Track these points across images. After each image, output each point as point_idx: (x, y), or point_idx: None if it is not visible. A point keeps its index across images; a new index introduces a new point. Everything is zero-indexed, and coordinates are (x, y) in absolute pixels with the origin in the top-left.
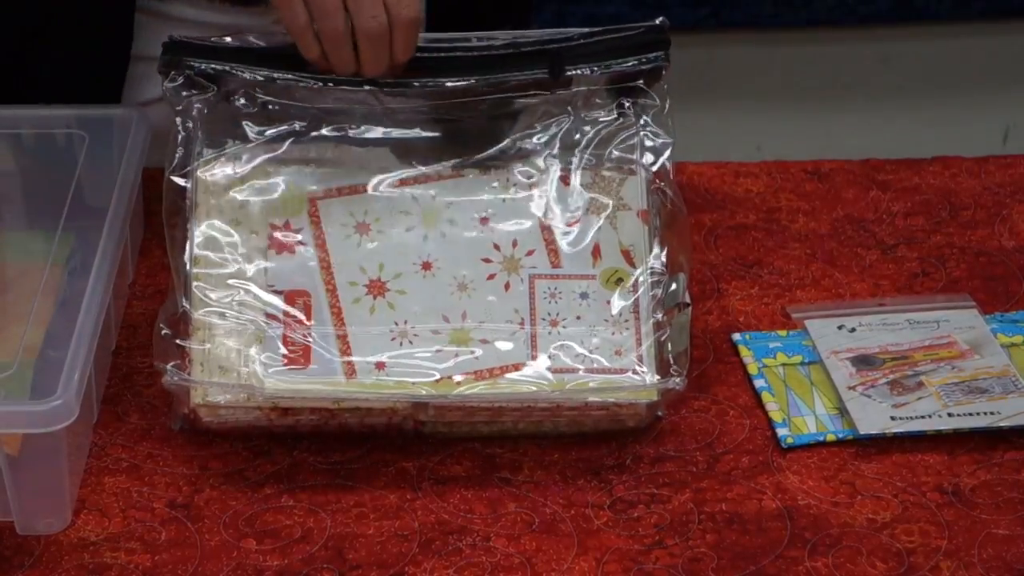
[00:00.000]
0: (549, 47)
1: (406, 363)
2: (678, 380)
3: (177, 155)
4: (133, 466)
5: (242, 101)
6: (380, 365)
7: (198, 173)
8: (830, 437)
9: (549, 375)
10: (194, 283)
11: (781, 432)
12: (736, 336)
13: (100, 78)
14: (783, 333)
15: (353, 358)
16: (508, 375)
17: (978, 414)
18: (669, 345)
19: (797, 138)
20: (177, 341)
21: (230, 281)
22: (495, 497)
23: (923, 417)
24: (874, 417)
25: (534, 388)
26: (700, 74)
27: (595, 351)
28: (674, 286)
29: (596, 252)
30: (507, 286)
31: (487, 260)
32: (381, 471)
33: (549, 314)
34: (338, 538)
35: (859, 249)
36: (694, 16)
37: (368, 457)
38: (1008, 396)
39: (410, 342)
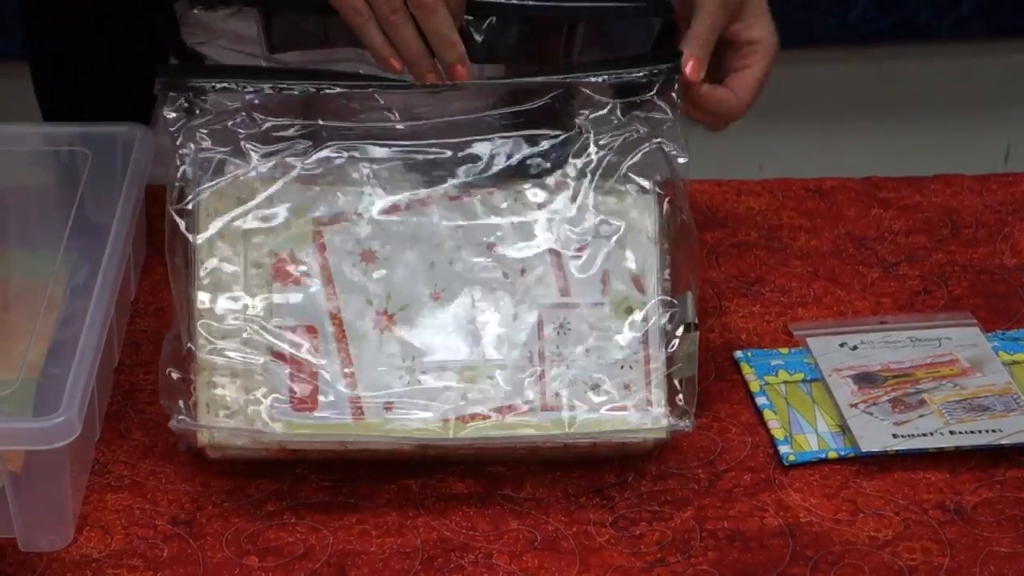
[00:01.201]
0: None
1: (414, 401)
2: (687, 422)
3: (177, 185)
4: (135, 483)
5: (243, 122)
6: (388, 405)
7: (200, 201)
8: (832, 454)
9: (557, 414)
10: (199, 321)
11: (783, 449)
12: (738, 353)
13: (140, 92)
14: (785, 351)
15: (361, 397)
16: (516, 415)
17: (980, 432)
18: (677, 374)
19: (799, 156)
20: (184, 380)
21: (235, 320)
22: (497, 514)
23: (925, 435)
24: (876, 435)
25: (542, 429)
26: None
27: (603, 386)
28: (682, 305)
29: (606, 279)
30: (515, 316)
31: (495, 290)
32: (383, 488)
33: (558, 347)
34: (340, 555)
35: (861, 267)
36: None
37: (370, 475)
38: (1010, 414)
39: (418, 380)
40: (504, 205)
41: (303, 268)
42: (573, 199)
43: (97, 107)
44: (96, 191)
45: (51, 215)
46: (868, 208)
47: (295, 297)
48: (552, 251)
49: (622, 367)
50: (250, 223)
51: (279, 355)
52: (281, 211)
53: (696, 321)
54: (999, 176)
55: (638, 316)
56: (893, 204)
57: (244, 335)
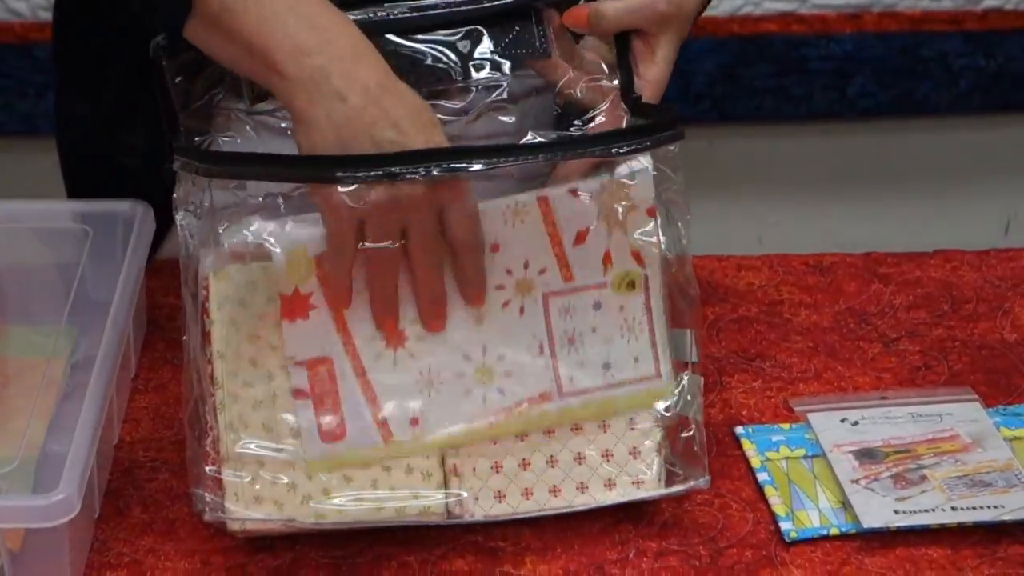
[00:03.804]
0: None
1: (438, 413)
2: (703, 480)
3: (189, 266)
4: (135, 561)
5: (262, 205)
6: (414, 421)
7: (212, 281)
8: (833, 531)
9: (573, 400)
10: (222, 415)
11: (784, 526)
12: (739, 429)
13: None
14: (786, 426)
15: (386, 418)
16: (535, 405)
17: (981, 508)
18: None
19: (799, 231)
20: (210, 470)
21: (256, 388)
22: None
23: (926, 511)
24: (877, 511)
25: (564, 415)
26: (701, 167)
27: (613, 364)
28: (680, 343)
29: (607, 258)
30: (522, 310)
31: (500, 287)
32: (383, 565)
33: (566, 332)
34: None
35: (861, 342)
36: (694, 110)
37: (370, 551)
38: (1011, 490)
39: (437, 391)
40: (505, 208)
41: (309, 301)
42: (571, 192)
43: (125, 183)
44: (97, 268)
45: (51, 292)
46: (868, 283)
47: (305, 330)
48: (554, 241)
49: (628, 340)
50: (255, 275)
51: (300, 391)
52: (278, 254)
53: (696, 360)
54: (999, 251)
55: (639, 287)
56: (893, 279)
57: (264, 397)
